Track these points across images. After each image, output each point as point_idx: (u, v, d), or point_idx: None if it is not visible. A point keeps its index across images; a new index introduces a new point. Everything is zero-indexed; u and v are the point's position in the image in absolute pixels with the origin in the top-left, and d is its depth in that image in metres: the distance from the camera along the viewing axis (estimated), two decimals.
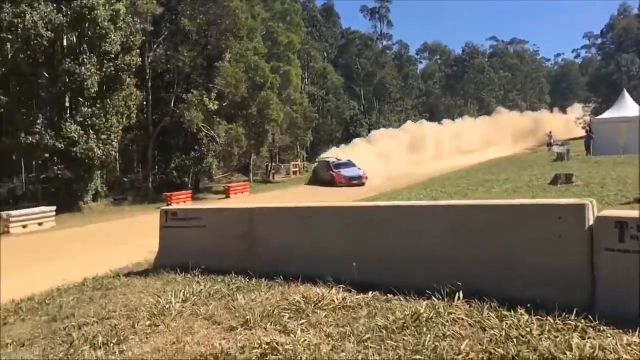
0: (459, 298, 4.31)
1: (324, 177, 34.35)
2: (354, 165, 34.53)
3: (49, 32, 24.00)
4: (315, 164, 39.83)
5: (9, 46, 24.38)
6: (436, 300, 4.37)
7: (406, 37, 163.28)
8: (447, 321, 3.95)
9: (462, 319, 3.96)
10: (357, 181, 32.48)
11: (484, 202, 6.80)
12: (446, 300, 4.34)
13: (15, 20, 23.08)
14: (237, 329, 4.29)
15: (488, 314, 3.99)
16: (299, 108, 46.21)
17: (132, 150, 38.24)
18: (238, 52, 34.84)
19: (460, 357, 3.35)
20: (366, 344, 3.70)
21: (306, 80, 57.66)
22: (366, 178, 32.94)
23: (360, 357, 3.50)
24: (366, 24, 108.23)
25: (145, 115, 33.38)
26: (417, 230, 5.12)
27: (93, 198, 26.91)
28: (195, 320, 4.68)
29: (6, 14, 22.98)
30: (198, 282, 6.03)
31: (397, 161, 40.32)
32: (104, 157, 26.24)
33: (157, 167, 36.45)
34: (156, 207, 23.26)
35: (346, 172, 33.56)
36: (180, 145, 35.40)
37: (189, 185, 33.70)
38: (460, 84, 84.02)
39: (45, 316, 5.50)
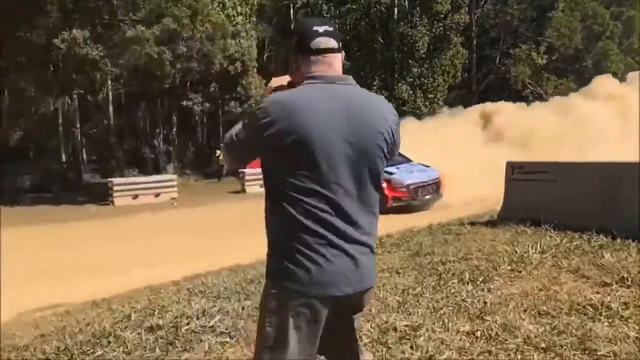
0: None
1: None
2: (411, 161, 12.94)
3: None
4: None
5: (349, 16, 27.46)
6: None
7: None
8: None
9: None
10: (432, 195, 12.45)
11: None
12: None
13: None
14: (612, 285, 4.05)
15: None
16: None
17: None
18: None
19: None
20: None
21: None
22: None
23: None
24: None
25: (468, 74, 33.43)
26: None
27: None
28: (559, 272, 4.59)
29: None
30: (551, 236, 5.88)
31: None
32: (429, 115, 27.56)
33: None
34: None
35: (411, 177, 12.14)
36: None
37: None
38: None
39: (407, 251, 6.14)
